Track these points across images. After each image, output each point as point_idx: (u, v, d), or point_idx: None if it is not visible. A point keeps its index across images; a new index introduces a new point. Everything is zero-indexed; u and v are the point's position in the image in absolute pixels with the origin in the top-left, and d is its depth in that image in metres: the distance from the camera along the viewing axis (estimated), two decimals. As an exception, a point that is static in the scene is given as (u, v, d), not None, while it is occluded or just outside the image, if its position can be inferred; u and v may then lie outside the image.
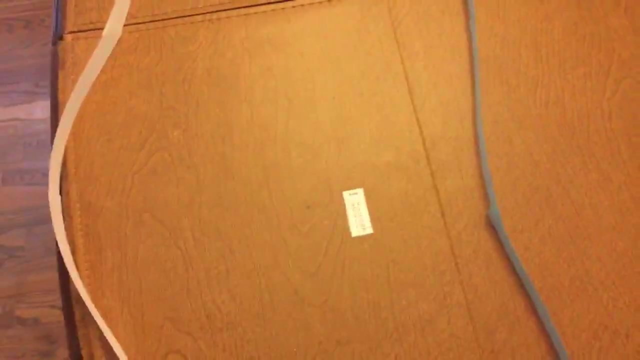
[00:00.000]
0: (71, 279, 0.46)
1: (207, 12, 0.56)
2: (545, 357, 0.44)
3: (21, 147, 1.19)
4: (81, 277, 0.47)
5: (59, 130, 0.50)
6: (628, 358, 0.44)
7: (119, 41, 0.55)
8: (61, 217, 0.49)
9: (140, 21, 0.56)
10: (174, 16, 0.56)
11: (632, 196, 0.48)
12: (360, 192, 0.50)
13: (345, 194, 0.49)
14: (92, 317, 0.45)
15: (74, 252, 0.48)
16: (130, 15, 0.56)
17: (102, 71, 0.54)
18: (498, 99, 0.52)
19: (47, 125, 1.03)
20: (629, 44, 0.54)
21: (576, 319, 0.45)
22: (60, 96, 0.53)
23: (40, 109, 1.23)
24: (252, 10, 0.56)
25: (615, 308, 0.45)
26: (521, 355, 0.44)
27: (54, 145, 0.50)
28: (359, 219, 0.49)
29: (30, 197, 1.16)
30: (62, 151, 0.51)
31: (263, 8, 0.56)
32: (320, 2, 0.57)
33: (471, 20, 0.55)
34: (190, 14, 0.56)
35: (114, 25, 0.55)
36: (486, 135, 0.51)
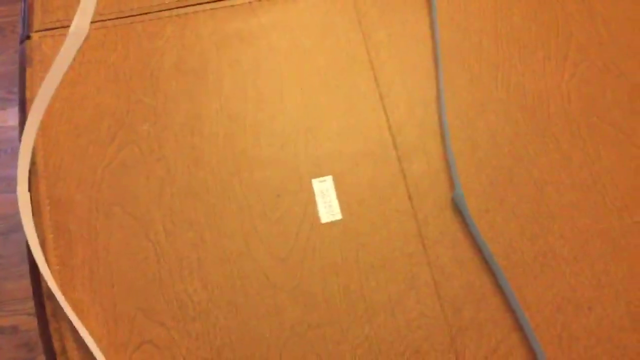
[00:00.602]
0: (41, 274, 0.46)
1: (174, 8, 0.57)
2: (511, 332, 0.45)
3: (-5, 155, 1.18)
4: (52, 272, 0.47)
5: (26, 126, 0.50)
6: (591, 330, 0.45)
7: (86, 38, 0.55)
8: (30, 213, 0.49)
9: (106, 18, 0.56)
10: (141, 12, 0.57)
11: (592, 174, 0.50)
12: (329, 179, 0.50)
13: (315, 181, 0.50)
14: (63, 311, 0.45)
15: (44, 248, 0.48)
16: (96, 12, 0.57)
17: (70, 68, 0.54)
18: (461, 85, 0.54)
19: (21, 131, 1.02)
20: (586, 28, 0.56)
21: (540, 294, 0.46)
22: (28, 93, 0.53)
23: (13, 116, 1.22)
24: (218, 4, 0.57)
25: (577, 282, 0.46)
26: (488, 331, 0.45)
27: (22, 142, 0.50)
28: (328, 205, 0.49)
29: (5, 205, 1.15)
30: (31, 148, 0.51)
31: (230, 2, 0.57)
32: (286, -4, 0.58)
33: (433, 10, 0.56)
34: (156, 10, 0.57)
35: (80, 23, 0.56)
36: (450, 120, 0.52)
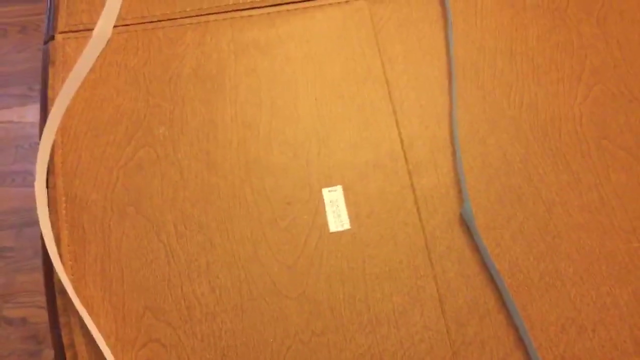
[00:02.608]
0: (54, 269, 0.47)
1: (195, 16, 0.58)
2: (513, 350, 0.45)
3: (13, 150, 1.21)
4: (65, 268, 0.48)
5: (47, 124, 0.52)
6: (594, 352, 0.45)
7: (108, 41, 0.57)
8: (47, 208, 0.50)
9: (129, 22, 0.58)
10: (162, 19, 0.58)
11: (601, 196, 0.50)
12: (339, 189, 0.51)
13: (325, 191, 0.51)
14: (73, 306, 0.46)
15: (58, 243, 0.49)
16: (120, 17, 0.58)
17: (91, 70, 0.55)
18: (473, 102, 0.54)
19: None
20: (600, 51, 0.56)
21: (544, 314, 0.46)
22: (50, 93, 0.54)
23: (33, 113, 1.25)
24: (237, 14, 0.58)
25: (582, 304, 0.47)
26: (490, 348, 0.45)
27: (41, 139, 0.52)
28: (337, 215, 0.50)
29: (21, 199, 1.17)
30: (50, 145, 0.52)
31: (249, 12, 0.58)
32: (305, 8, 0.59)
33: (449, 27, 0.57)
34: (178, 17, 0.58)
35: (103, 26, 0.57)
36: (461, 136, 0.53)
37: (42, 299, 1.07)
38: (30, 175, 1.16)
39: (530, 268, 0.48)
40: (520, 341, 0.45)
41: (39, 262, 1.09)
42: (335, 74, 0.56)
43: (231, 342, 0.46)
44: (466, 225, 0.49)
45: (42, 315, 1.05)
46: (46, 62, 0.57)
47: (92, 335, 0.45)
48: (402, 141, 0.53)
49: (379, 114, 0.54)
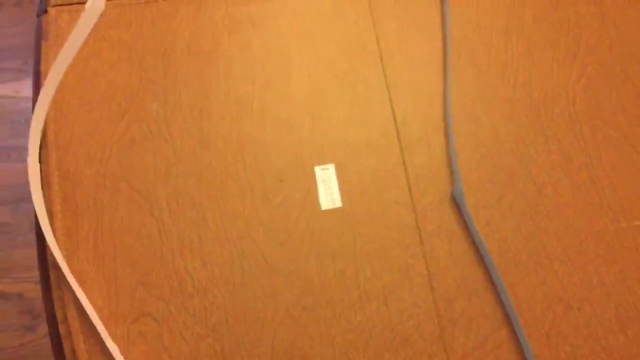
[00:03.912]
0: (48, 243, 0.48)
1: (189, -11, 0.57)
2: (500, 327, 0.46)
3: (8, 125, 1.20)
4: (58, 243, 0.48)
5: (39, 99, 0.52)
6: (579, 329, 0.46)
7: (101, 15, 0.56)
8: (39, 183, 0.50)
9: (122, -4, 0.57)
10: (156, -8, 0.57)
11: (591, 176, 0.50)
12: (331, 167, 0.51)
13: (317, 168, 0.51)
14: (67, 281, 0.47)
15: (51, 218, 0.49)
16: (112, -10, 0.57)
17: (84, 44, 0.55)
18: (468, 81, 0.54)
19: (35, 103, 1.04)
20: (596, 30, 0.56)
21: (531, 292, 0.47)
22: (43, 67, 0.54)
23: (29, 87, 1.24)
24: (232, -12, 0.58)
25: (569, 283, 0.47)
26: (477, 324, 0.46)
27: (34, 114, 0.51)
28: (329, 193, 0.50)
29: (17, 174, 1.17)
30: (43, 120, 0.52)
31: (243, -13, 0.58)
32: (300, -17, 0.58)
33: (445, 4, 0.57)
34: (172, -10, 0.57)
35: (96, 0, 0.56)
36: (455, 115, 0.53)
37: (38, 275, 1.08)
38: (25, 150, 1.15)
39: (519, 247, 0.48)
40: (507, 318, 0.46)
41: (34, 237, 1.10)
42: (329, 50, 0.56)
43: (222, 316, 0.46)
44: (457, 204, 0.49)
45: (38, 291, 1.06)
46: (39, 36, 0.56)
47: (85, 309, 0.46)
48: (395, 119, 0.53)
49: (372, 91, 0.54)
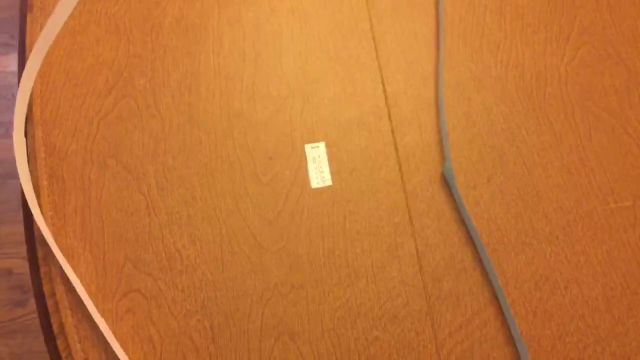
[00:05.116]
0: (35, 219, 0.47)
1: (178, -38, 0.56)
2: (487, 305, 0.46)
3: (-5, 100, 1.18)
4: (45, 218, 0.48)
5: (24, 73, 0.51)
6: (565, 308, 0.46)
7: (88, -13, 0.55)
8: (25, 158, 0.49)
9: (109, -32, 0.56)
10: (144, -36, 0.56)
11: (581, 157, 0.50)
12: (321, 145, 0.51)
13: (307, 146, 0.51)
14: (54, 257, 0.46)
15: (38, 194, 0.48)
16: (100, -39, 0.56)
17: (70, 17, 0.54)
18: (460, 60, 0.54)
19: (22, 78, 1.02)
20: (590, 12, 0.56)
21: (519, 271, 0.47)
22: (28, 40, 0.53)
23: (15, 62, 1.22)
24: (223, -39, 0.56)
25: (556, 262, 0.48)
26: (465, 302, 0.46)
27: (19, 88, 0.50)
28: (319, 171, 0.50)
29: (4, 150, 1.16)
30: (28, 94, 0.51)
31: (234, -40, 0.57)
32: (292, -43, 0.57)
33: (439, -19, 0.56)
34: (160, -38, 0.56)
35: (83, -29, 0.55)
36: (446, 95, 0.52)
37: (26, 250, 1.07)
38: (12, 126, 1.14)
39: (508, 227, 0.48)
40: (495, 297, 0.46)
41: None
42: (321, 27, 0.55)
43: (211, 293, 0.46)
44: (447, 183, 0.49)
45: (27, 266, 1.06)
46: (24, 9, 0.55)
47: (72, 285, 0.45)
48: (386, 98, 0.52)
49: (364, 70, 0.53)
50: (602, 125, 0.52)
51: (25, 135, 0.50)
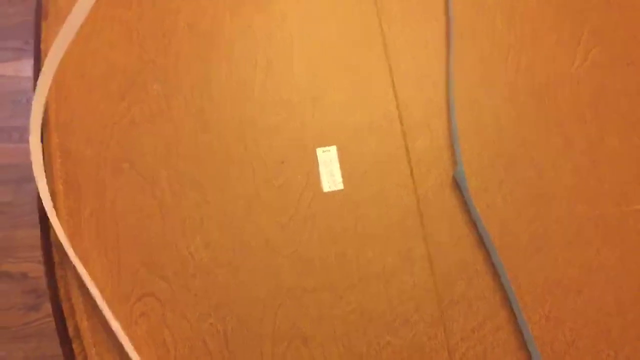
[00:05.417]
0: (51, 223, 0.48)
1: (190, -31, 0.57)
2: (499, 309, 0.46)
3: (9, 105, 1.20)
4: (61, 222, 0.48)
5: (40, 79, 0.51)
6: (578, 313, 0.46)
7: (102, -6, 0.56)
8: (42, 164, 0.50)
9: (123, -25, 0.57)
10: (157, -29, 0.57)
11: (592, 161, 0.50)
12: (333, 149, 0.51)
13: (319, 151, 0.51)
14: (70, 261, 0.47)
15: (54, 198, 0.49)
16: (113, -31, 0.57)
17: (84, 23, 0.54)
18: (471, 64, 0.54)
19: (35, 83, 1.04)
20: (601, 13, 0.55)
21: (531, 275, 0.47)
22: (43, 46, 0.54)
23: (29, 67, 1.23)
24: (234, -32, 0.57)
25: (569, 266, 0.47)
26: (477, 307, 0.46)
27: (35, 94, 0.51)
28: (330, 175, 0.50)
29: (19, 155, 1.17)
30: (44, 100, 0.52)
31: (245, -34, 0.57)
32: (303, -37, 0.57)
33: (449, -15, 0.56)
34: (173, -31, 0.57)
35: (97, -22, 0.56)
36: (457, 98, 0.52)
37: (41, 254, 1.08)
38: (27, 130, 1.15)
39: (520, 231, 0.48)
40: (507, 301, 0.46)
41: (38, 217, 1.10)
42: (332, 33, 0.55)
43: (224, 297, 0.47)
44: (458, 187, 0.49)
45: (42, 270, 1.07)
46: (39, 15, 0.56)
47: (88, 288, 0.46)
48: (397, 102, 0.53)
49: (375, 74, 0.54)
50: (614, 128, 0.51)
51: (41, 141, 0.51)
